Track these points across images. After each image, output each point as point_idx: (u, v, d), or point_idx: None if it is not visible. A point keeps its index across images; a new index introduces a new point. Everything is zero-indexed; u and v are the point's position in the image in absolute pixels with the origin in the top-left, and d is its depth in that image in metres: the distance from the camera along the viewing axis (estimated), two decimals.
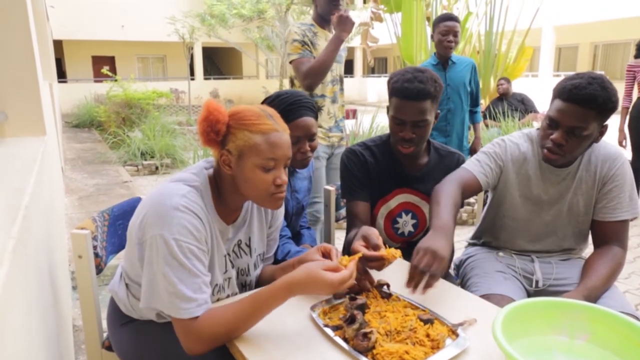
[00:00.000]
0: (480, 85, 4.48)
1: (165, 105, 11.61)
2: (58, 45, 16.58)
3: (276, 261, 1.53)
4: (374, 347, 1.00)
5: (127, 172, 6.19)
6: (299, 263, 1.31)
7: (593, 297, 1.39)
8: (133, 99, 9.11)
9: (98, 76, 15.86)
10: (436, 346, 1.02)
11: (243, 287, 1.36)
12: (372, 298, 1.23)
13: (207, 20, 13.67)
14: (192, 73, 18.17)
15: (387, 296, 1.24)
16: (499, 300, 1.41)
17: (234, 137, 1.12)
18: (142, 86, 10.33)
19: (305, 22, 2.55)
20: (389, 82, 1.60)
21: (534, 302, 1.07)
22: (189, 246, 1.06)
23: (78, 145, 8.59)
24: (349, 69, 24.64)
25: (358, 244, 1.27)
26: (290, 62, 2.49)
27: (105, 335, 1.42)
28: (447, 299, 1.25)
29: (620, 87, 4.84)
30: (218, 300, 1.24)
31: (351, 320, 1.06)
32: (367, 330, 1.02)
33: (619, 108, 1.46)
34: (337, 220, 2.00)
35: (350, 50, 22.15)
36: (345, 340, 1.03)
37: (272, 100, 1.59)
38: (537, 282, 1.60)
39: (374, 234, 1.30)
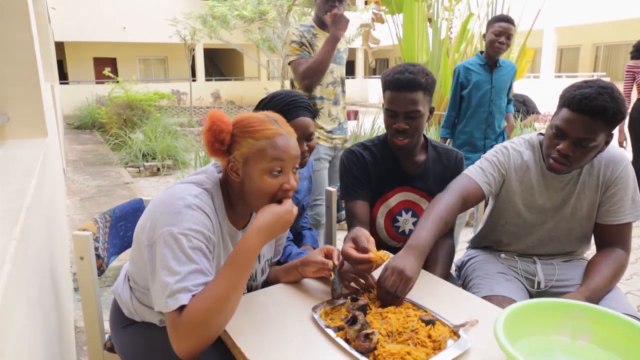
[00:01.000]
0: None
1: (167, 107, 11.65)
2: (60, 47, 16.63)
3: (278, 263, 1.53)
4: (375, 348, 1.00)
5: (129, 174, 6.20)
6: (301, 264, 1.31)
7: (595, 298, 1.38)
8: (134, 101, 9.14)
9: (100, 78, 15.90)
10: (438, 347, 1.02)
11: (249, 291, 1.36)
12: (374, 299, 1.23)
13: (209, 21, 13.69)
14: (193, 74, 18.21)
15: None
16: (500, 301, 1.40)
17: (238, 146, 1.12)
18: (144, 87, 10.38)
19: (305, 24, 2.55)
20: (382, 78, 1.62)
21: (535, 303, 1.07)
22: (199, 242, 1.04)
23: (79, 147, 8.60)
24: (350, 70, 24.65)
25: (347, 247, 1.28)
26: (289, 64, 2.49)
27: (107, 336, 1.42)
28: (448, 300, 1.25)
29: (621, 88, 4.84)
30: None
31: (353, 321, 1.06)
32: (369, 331, 1.02)
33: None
34: (338, 221, 2.00)
35: (352, 52, 22.17)
36: (347, 341, 1.03)
37: (268, 102, 1.59)
38: (539, 283, 1.60)
39: (363, 235, 1.30)
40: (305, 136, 1.61)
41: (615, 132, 1.55)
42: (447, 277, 1.54)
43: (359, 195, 1.68)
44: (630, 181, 1.51)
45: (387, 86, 1.58)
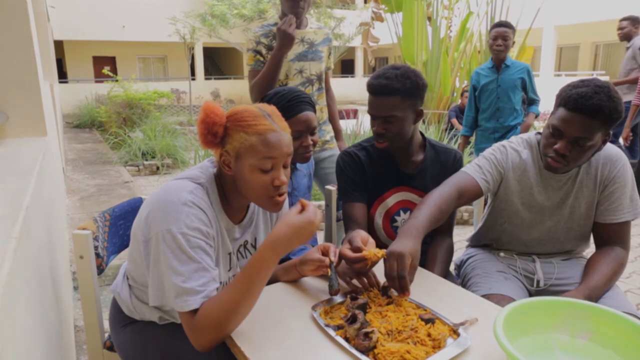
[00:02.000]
0: None
1: (166, 106, 11.65)
2: (59, 45, 16.60)
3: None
4: (375, 347, 1.00)
5: (128, 173, 6.20)
6: (300, 263, 1.31)
7: (594, 296, 1.38)
8: (134, 99, 9.14)
9: (99, 76, 15.90)
10: (437, 346, 1.02)
11: None
12: (374, 297, 1.23)
13: (208, 20, 13.67)
14: (193, 73, 18.18)
15: (389, 298, 1.23)
16: (499, 300, 1.41)
17: (231, 139, 1.12)
18: (143, 86, 10.36)
19: (267, 24, 2.35)
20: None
21: (535, 302, 1.07)
22: (198, 240, 1.05)
23: (79, 146, 8.60)
24: (349, 68, 24.68)
25: (344, 248, 1.28)
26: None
27: (106, 335, 1.42)
28: (448, 299, 1.25)
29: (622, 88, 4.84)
30: None
31: (352, 319, 1.06)
32: (369, 329, 1.02)
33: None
34: (337, 220, 2.00)
35: (351, 50, 22.14)
36: (347, 339, 1.03)
37: (272, 98, 1.61)
38: (538, 281, 1.60)
39: (358, 236, 1.30)
40: (309, 130, 1.63)
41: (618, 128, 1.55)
42: (446, 275, 1.54)
43: (356, 197, 1.69)
44: (628, 180, 1.51)
45: (367, 89, 1.60)
